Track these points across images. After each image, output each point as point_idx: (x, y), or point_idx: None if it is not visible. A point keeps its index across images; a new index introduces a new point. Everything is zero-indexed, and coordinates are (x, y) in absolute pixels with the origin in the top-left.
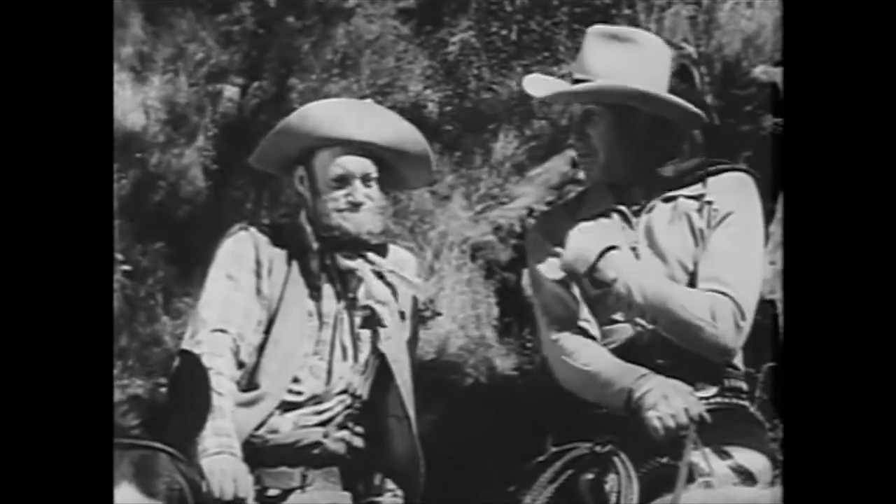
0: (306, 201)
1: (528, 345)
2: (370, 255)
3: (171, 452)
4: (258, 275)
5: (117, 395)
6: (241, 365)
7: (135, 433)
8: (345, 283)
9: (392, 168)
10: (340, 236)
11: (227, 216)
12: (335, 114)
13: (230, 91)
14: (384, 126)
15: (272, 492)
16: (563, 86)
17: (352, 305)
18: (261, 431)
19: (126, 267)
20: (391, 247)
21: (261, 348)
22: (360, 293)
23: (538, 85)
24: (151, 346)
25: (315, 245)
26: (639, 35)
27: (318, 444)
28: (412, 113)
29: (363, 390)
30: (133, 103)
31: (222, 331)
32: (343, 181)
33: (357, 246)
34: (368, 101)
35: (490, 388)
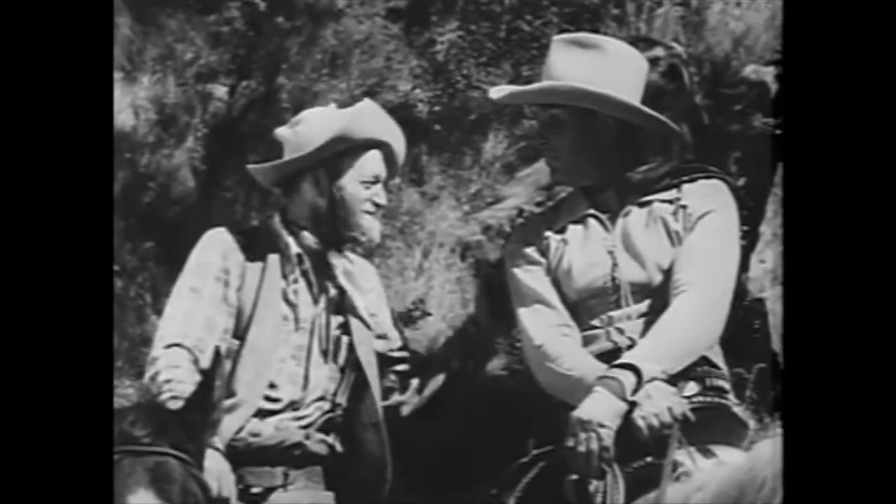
0: (303, 204)
1: (517, 345)
2: (348, 258)
3: (183, 458)
4: (226, 283)
5: (122, 403)
6: (203, 373)
7: (146, 441)
8: (322, 287)
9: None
10: (359, 237)
11: (216, 216)
12: (376, 117)
13: (219, 91)
14: (397, 133)
15: (255, 490)
16: (520, 87)
17: (330, 308)
18: (242, 434)
19: (115, 267)
20: (350, 255)
21: (236, 355)
22: (344, 288)
23: (499, 90)
24: (140, 347)
25: (293, 249)
26: (605, 42)
27: (299, 444)
28: (401, 113)
29: (340, 396)
30: (123, 103)
31: (178, 345)
32: (372, 181)
33: (346, 251)
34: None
35: (473, 389)
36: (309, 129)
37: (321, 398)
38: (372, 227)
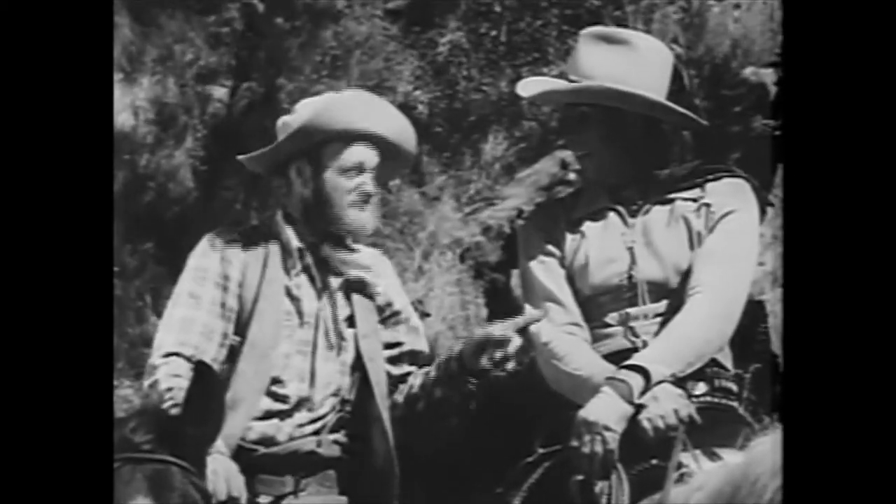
0: (294, 196)
1: None
2: (349, 249)
3: (184, 466)
4: (224, 289)
5: (123, 409)
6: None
7: (147, 448)
8: (325, 280)
9: (383, 164)
10: (347, 229)
11: (216, 217)
12: (353, 107)
13: (219, 92)
14: (391, 120)
15: (263, 499)
16: (551, 84)
17: (333, 301)
18: (253, 444)
19: (115, 268)
20: (362, 247)
21: (237, 352)
22: (342, 287)
23: (528, 86)
24: (140, 347)
25: (293, 243)
26: (634, 37)
27: (312, 452)
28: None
29: (350, 392)
30: (122, 104)
31: (177, 354)
32: (355, 172)
33: (346, 241)
34: (370, 94)
35: (479, 388)
36: (295, 118)
37: (334, 394)
38: (359, 218)
